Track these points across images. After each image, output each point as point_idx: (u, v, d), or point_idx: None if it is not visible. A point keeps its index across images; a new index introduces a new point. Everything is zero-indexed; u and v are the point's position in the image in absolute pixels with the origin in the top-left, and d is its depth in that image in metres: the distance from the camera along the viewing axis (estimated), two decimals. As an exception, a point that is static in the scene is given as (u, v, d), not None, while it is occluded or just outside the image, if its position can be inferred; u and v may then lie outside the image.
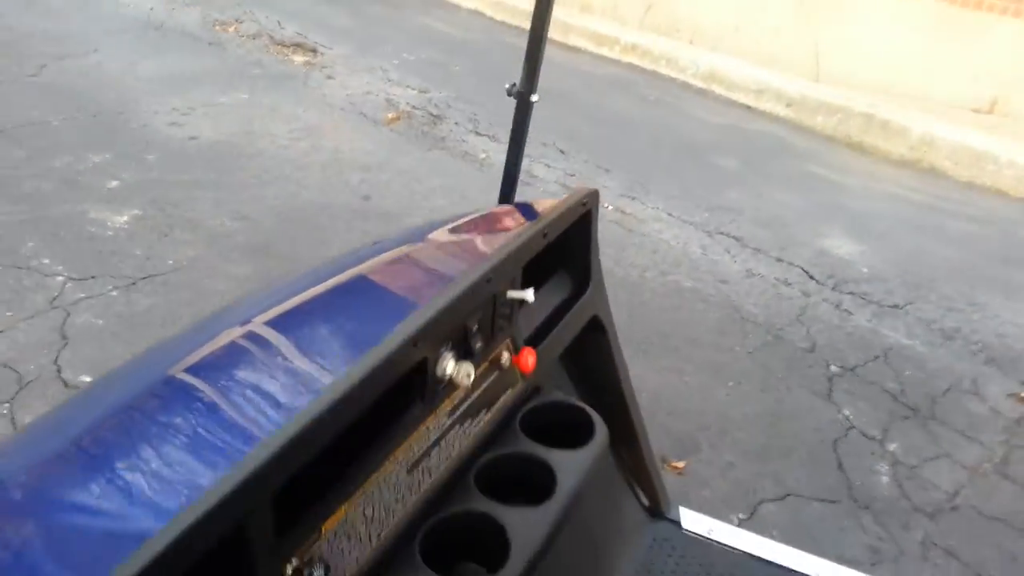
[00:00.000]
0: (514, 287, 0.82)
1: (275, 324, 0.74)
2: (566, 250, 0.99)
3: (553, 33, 5.07)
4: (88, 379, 2.05)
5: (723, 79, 4.26)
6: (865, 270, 2.78)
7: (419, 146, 3.46)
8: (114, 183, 2.89)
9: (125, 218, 2.70)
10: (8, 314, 2.21)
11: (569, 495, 0.74)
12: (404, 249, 0.92)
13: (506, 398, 0.85)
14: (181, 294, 2.36)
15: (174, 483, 0.55)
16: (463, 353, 0.74)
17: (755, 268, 2.73)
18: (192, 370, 0.70)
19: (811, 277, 2.71)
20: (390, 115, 3.71)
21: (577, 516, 1.03)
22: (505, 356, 0.84)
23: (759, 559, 1.28)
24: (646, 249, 2.80)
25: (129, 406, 0.64)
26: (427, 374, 0.70)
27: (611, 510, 1.24)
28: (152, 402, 0.65)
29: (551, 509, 0.71)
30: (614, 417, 1.21)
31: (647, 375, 2.19)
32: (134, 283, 2.41)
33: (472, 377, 0.72)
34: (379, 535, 0.66)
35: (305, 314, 0.77)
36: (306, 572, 0.58)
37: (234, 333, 0.73)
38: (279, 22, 4.58)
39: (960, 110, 4.92)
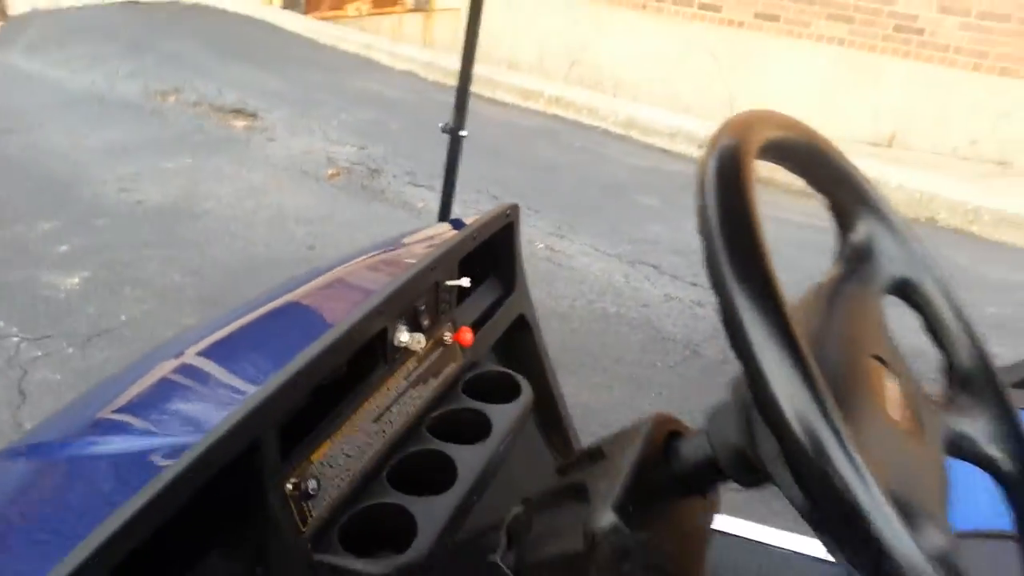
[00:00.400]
0: (452, 278, 1.04)
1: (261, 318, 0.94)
2: (495, 256, 1.21)
3: (482, 89, 5.39)
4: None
5: (641, 126, 4.60)
6: (772, 288, 3.06)
7: (360, 199, 3.67)
8: (64, 247, 3.04)
9: (76, 280, 2.84)
10: (-31, 373, 2.32)
11: (502, 437, 0.94)
12: (367, 258, 1.13)
13: (449, 369, 1.05)
14: (135, 345, 2.50)
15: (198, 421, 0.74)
16: (414, 327, 0.95)
17: (673, 292, 2.99)
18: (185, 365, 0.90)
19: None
20: (331, 171, 3.93)
21: (511, 468, 1.23)
22: (448, 335, 1.04)
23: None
24: (574, 281, 3.04)
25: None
26: (387, 341, 0.90)
27: (524, 453, 1.43)
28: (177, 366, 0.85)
29: (488, 446, 0.91)
30: (541, 401, 1.42)
31: (580, 392, 2.40)
32: (89, 339, 2.55)
33: (423, 345, 0.93)
34: (355, 467, 0.85)
35: (275, 315, 0.98)
36: (301, 487, 0.77)
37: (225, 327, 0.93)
38: (219, 90, 4.79)
39: (861, 145, 5.36)
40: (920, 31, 5.54)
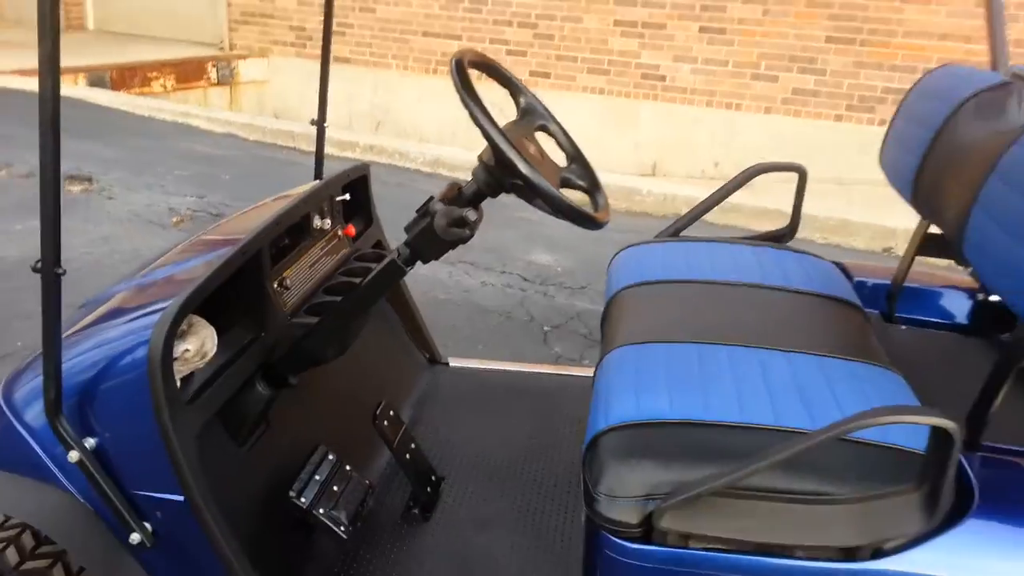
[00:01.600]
0: (338, 196, 1.81)
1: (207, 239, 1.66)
2: (357, 200, 1.98)
3: (301, 144, 6.09)
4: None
5: (447, 164, 5.51)
6: (560, 270, 3.99)
7: (208, 239, 4.24)
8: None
9: (-36, 318, 3.23)
10: None
11: (357, 305, 1.67)
12: (297, 190, 1.85)
13: (344, 250, 1.81)
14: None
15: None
16: (322, 219, 1.71)
17: (487, 280, 3.84)
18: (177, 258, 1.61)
19: (525, 279, 3.86)
20: (175, 219, 4.46)
21: (392, 353, 2.02)
22: (339, 229, 1.80)
23: (516, 382, 2.25)
24: (408, 280, 3.79)
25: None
26: (311, 222, 1.65)
27: (397, 357, 2.18)
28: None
29: (347, 310, 1.63)
30: (394, 298, 2.19)
31: (422, 354, 3.14)
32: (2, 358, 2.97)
33: (328, 229, 1.69)
34: (305, 283, 1.59)
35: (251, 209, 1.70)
36: (283, 284, 1.51)
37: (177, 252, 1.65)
38: (49, 159, 5.15)
39: (631, 176, 6.55)
40: (662, 78, 6.92)
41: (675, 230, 2.13)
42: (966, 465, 1.21)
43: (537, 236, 4.41)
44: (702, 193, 4.72)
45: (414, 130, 7.66)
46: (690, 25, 6.67)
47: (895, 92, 6.17)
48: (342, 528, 1.51)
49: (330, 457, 1.61)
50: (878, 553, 1.12)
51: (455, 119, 7.57)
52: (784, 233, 2.09)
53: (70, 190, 4.82)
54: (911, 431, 1.19)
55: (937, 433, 1.07)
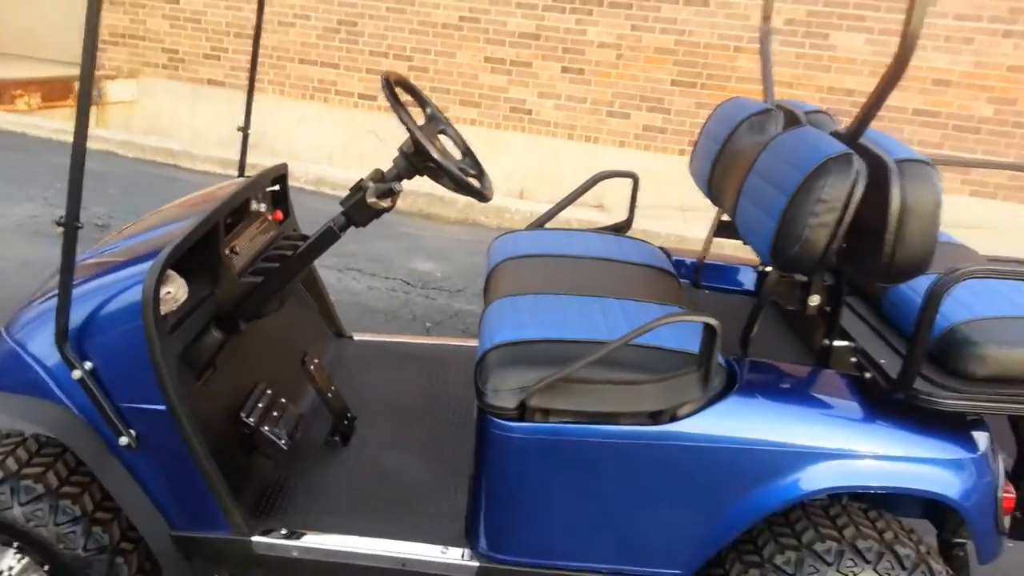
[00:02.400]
0: (268, 186, 2.26)
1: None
2: (279, 193, 2.43)
3: (183, 162, 6.30)
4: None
5: (329, 182, 5.92)
6: (439, 275, 4.51)
7: (90, 244, 4.47)
8: None
9: None
10: None
11: (298, 263, 2.13)
12: (203, 192, 2.28)
13: (272, 231, 2.26)
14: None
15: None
16: (258, 202, 2.16)
17: (373, 284, 4.30)
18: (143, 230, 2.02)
19: (408, 284, 4.35)
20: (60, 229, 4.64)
21: (302, 321, 2.47)
22: (270, 214, 2.25)
23: (410, 350, 2.72)
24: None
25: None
26: (250, 205, 2.10)
27: (313, 326, 2.62)
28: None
29: (290, 268, 2.08)
30: (307, 281, 2.64)
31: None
32: None
33: (262, 210, 2.15)
34: (247, 256, 2.04)
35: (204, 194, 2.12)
36: (231, 252, 1.95)
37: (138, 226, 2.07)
38: (-80, 171, 5.19)
39: (501, 197, 7.13)
40: (529, 111, 7.62)
41: (539, 224, 2.70)
42: (736, 366, 1.81)
43: (418, 247, 4.91)
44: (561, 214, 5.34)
45: (289, 152, 7.99)
46: (553, 65, 7.42)
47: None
48: (283, 441, 1.94)
49: (268, 392, 2.04)
50: (674, 418, 1.69)
51: (331, 143, 7.99)
52: (623, 226, 2.70)
53: (-54, 201, 4.90)
54: (695, 340, 1.77)
55: (705, 330, 1.66)
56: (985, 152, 6.67)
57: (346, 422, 2.21)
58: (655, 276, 2.24)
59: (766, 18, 2.60)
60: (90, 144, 6.46)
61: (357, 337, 2.78)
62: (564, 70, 7.41)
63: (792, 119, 2.22)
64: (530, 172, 7.69)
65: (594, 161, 7.45)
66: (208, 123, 8.43)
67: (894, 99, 6.59)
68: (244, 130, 2.49)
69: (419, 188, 5.87)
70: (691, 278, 2.51)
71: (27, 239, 4.48)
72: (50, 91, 8.17)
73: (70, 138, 5.51)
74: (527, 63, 7.50)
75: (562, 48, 7.36)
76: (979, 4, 6.34)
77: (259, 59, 8.24)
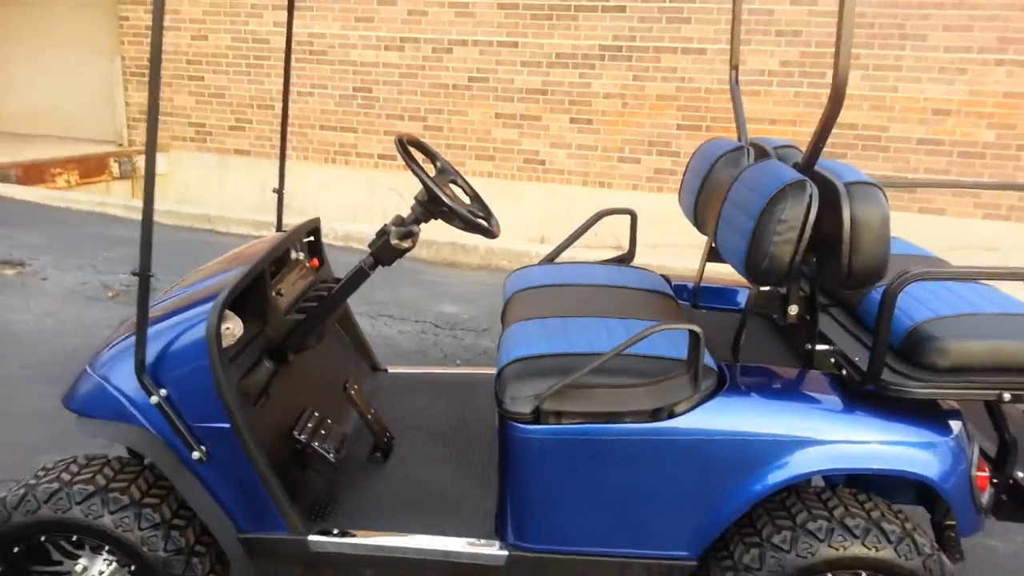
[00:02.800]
0: (304, 238, 2.58)
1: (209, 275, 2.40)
2: (314, 244, 2.75)
3: (218, 226, 6.69)
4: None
5: (355, 238, 6.27)
6: (466, 317, 4.80)
7: (144, 309, 4.82)
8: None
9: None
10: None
11: (335, 301, 2.44)
12: (248, 245, 2.59)
13: (309, 277, 2.57)
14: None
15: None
16: (297, 251, 2.47)
17: (404, 328, 4.60)
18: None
19: (437, 326, 4.64)
20: (110, 293, 5.02)
21: (341, 357, 2.77)
22: (307, 262, 2.56)
23: (440, 379, 3.00)
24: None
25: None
26: (290, 254, 2.42)
27: (351, 359, 2.91)
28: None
29: (328, 305, 2.40)
30: (343, 321, 2.94)
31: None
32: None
33: (301, 258, 2.47)
34: (291, 296, 2.34)
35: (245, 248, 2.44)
36: (277, 294, 2.26)
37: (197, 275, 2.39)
38: (-22, 248, 5.62)
39: (523, 243, 7.43)
40: (542, 162, 7.99)
41: (549, 259, 2.99)
42: (726, 370, 2.07)
43: (444, 293, 5.22)
44: (580, 254, 5.63)
45: (316, 212, 8.40)
46: (562, 117, 7.80)
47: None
48: (331, 456, 2.21)
49: (316, 414, 2.32)
50: (671, 415, 1.94)
51: (355, 202, 8.41)
52: (626, 257, 2.99)
53: (4, 273, 5.30)
54: (685, 349, 2.02)
55: (691, 337, 1.93)
56: (992, 175, 6.91)
57: (385, 440, 2.48)
58: (655, 298, 2.51)
59: (734, 66, 2.91)
60: (129, 214, 6.90)
61: (391, 370, 3.07)
62: (572, 121, 7.79)
63: (761, 153, 2.51)
64: (547, 219, 8.02)
65: (609, 204, 7.77)
66: (236, 189, 8.89)
67: (898, 130, 6.90)
68: (279, 191, 2.83)
69: (441, 238, 6.21)
70: (690, 300, 2.77)
71: (81, 303, 4.84)
72: (86, 168, 8.69)
73: (109, 210, 5.93)
74: (537, 116, 7.89)
75: (568, 100, 7.75)
76: (968, 36, 6.65)
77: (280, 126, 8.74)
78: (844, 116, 7.08)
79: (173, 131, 9.33)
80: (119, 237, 6.27)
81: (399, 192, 8.20)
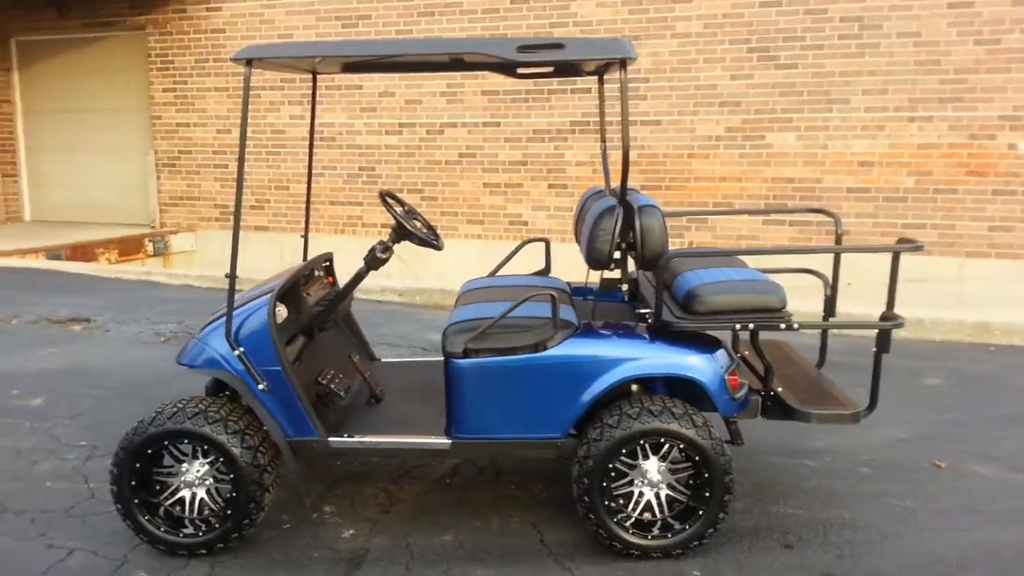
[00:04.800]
0: (323, 263, 4.14)
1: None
2: (329, 268, 4.30)
3: (248, 287, 8.28)
4: None
5: (362, 290, 7.83)
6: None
7: (192, 348, 6.35)
8: (37, 400, 5.40)
9: (40, 400, 5.24)
10: None
11: (343, 294, 3.95)
12: (286, 268, 4.14)
13: (326, 290, 4.11)
14: (104, 426, 5.03)
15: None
16: (318, 272, 4.03)
17: (400, 353, 6.07)
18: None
19: (425, 349, 6.12)
20: (163, 338, 6.56)
21: (345, 347, 4.29)
22: (325, 279, 4.11)
23: (419, 364, 4.47)
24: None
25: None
26: (314, 272, 3.98)
27: (354, 347, 4.40)
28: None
29: (339, 296, 3.92)
30: (350, 326, 4.46)
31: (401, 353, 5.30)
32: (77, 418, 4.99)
33: (320, 275, 4.02)
34: (315, 299, 3.90)
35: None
36: (307, 295, 3.81)
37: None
38: (52, 310, 7.22)
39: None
40: (525, 223, 9.58)
41: (491, 274, 4.50)
42: (581, 324, 3.54)
43: (433, 326, 6.74)
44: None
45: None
46: (541, 183, 9.43)
47: (697, 221, 8.96)
48: (342, 394, 3.68)
49: (331, 372, 3.80)
50: (545, 348, 3.40)
51: (359, 266, 9.99)
52: (544, 271, 4.49)
53: (73, 328, 6.87)
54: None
55: (551, 299, 3.42)
56: (914, 216, 8.39)
57: (377, 391, 3.95)
58: (554, 292, 4.00)
59: (602, 139, 4.46)
60: (172, 280, 8.55)
61: (384, 360, 4.55)
62: (550, 186, 9.41)
63: (612, 193, 4.03)
64: (531, 271, 9.52)
65: (565, 261, 9.30)
66: (256, 259, 10.50)
67: (830, 181, 8.44)
68: (305, 236, 4.38)
69: (434, 286, 7.75)
70: (583, 295, 4.26)
71: (140, 347, 6.39)
72: (125, 247, 10.39)
73: (154, 278, 7.77)
74: (519, 184, 9.52)
75: (546, 170, 9.39)
76: (884, 98, 8.24)
77: (295, 205, 10.41)
78: (783, 172, 8.65)
79: (200, 213, 11.06)
80: (164, 297, 7.87)
81: (400, 257, 9.78)
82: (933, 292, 8.15)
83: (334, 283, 4.32)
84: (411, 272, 9.66)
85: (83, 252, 9.93)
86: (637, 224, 3.44)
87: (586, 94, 9.16)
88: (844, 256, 4.01)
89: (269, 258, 10.34)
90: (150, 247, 10.63)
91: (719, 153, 8.84)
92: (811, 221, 8.64)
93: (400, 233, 3.73)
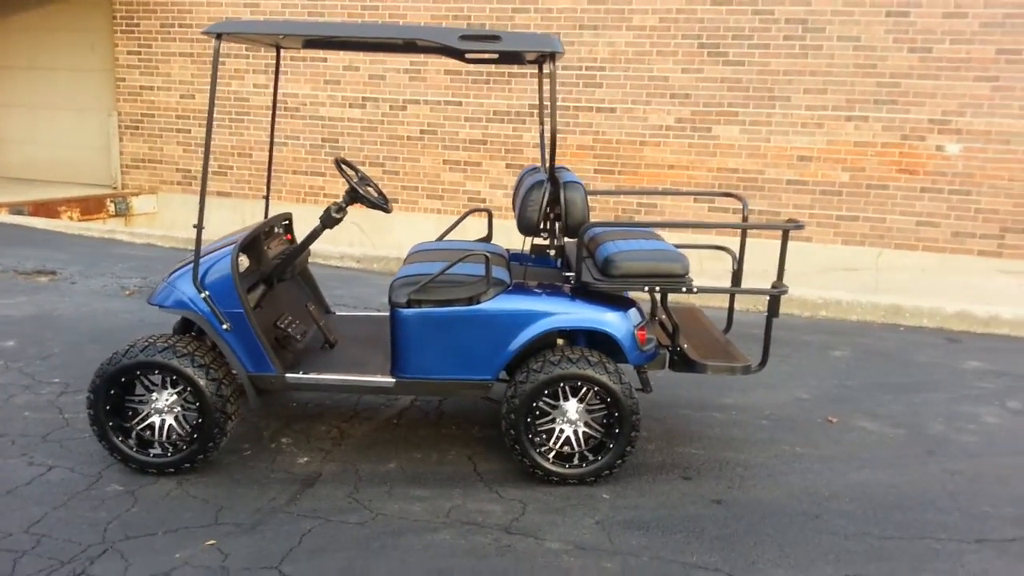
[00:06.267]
0: (284, 221, 4.65)
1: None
2: (289, 226, 4.81)
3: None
4: None
5: (322, 256, 8.31)
6: (400, 307, 6.81)
7: (156, 302, 6.80)
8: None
9: (12, 343, 5.68)
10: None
11: (301, 247, 4.48)
12: (250, 224, 4.64)
13: (285, 244, 4.63)
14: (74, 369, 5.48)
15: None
16: (280, 230, 4.55)
17: (355, 313, 6.58)
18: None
19: (379, 311, 6.63)
20: (127, 291, 7.00)
21: (301, 297, 4.82)
22: (285, 236, 4.62)
23: (370, 318, 4.99)
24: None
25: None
26: (274, 228, 4.50)
27: (310, 299, 4.91)
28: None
29: (297, 249, 4.45)
30: (304, 275, 4.98)
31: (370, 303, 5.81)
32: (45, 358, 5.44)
33: (281, 232, 4.54)
34: (274, 252, 4.42)
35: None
36: (268, 247, 4.34)
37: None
38: (17, 261, 7.61)
39: (457, 266, 9.49)
40: (483, 199, 10.10)
41: (437, 239, 5.03)
42: (512, 283, 4.09)
43: (385, 290, 7.24)
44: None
45: (288, 247, 10.45)
46: (499, 162, 9.96)
47: (646, 205, 9.57)
48: (298, 337, 4.20)
49: (289, 318, 4.31)
50: (478, 302, 3.95)
51: (323, 235, 10.45)
52: (486, 238, 5.03)
53: (39, 279, 7.27)
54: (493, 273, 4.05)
55: (486, 260, 3.96)
56: (848, 209, 9.05)
57: (330, 338, 4.47)
58: (492, 255, 4.55)
59: (540, 121, 5.02)
60: (134, 239, 8.94)
61: (338, 312, 5.07)
62: (508, 166, 9.94)
63: (545, 170, 4.59)
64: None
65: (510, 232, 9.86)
66: (218, 226, 10.90)
67: (772, 173, 9.10)
68: (266, 196, 4.87)
69: (391, 255, 8.27)
70: (520, 261, 4.83)
71: (105, 298, 6.82)
72: (87, 207, 10.73)
73: (117, 236, 8.19)
74: (478, 163, 10.04)
75: (504, 149, 9.92)
76: (824, 97, 8.89)
77: (258, 172, 10.82)
78: (727, 163, 9.28)
79: (162, 176, 11.42)
80: (128, 255, 8.28)
81: (360, 227, 10.27)
82: (861, 279, 8.86)
83: (292, 240, 4.83)
84: (370, 242, 10.17)
85: (45, 209, 10.25)
86: (563, 197, 4.00)
87: (546, 79, 9.70)
88: (758, 242, 4.60)
89: (231, 223, 10.72)
90: (112, 207, 10.97)
91: (669, 142, 9.44)
92: (754, 210, 9.29)
93: (353, 196, 4.24)
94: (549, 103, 3.79)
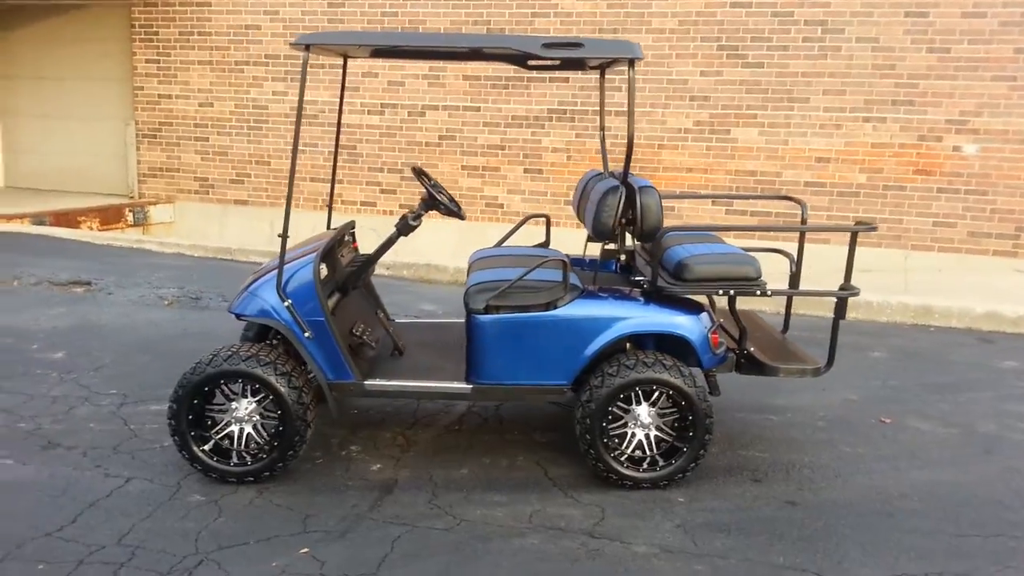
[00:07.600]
0: (351, 230, 4.69)
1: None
2: (353, 234, 4.85)
3: (239, 257, 8.66)
4: None
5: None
6: (440, 312, 6.85)
7: (191, 310, 6.80)
8: (59, 354, 5.83)
9: (61, 354, 5.69)
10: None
11: (375, 256, 4.51)
12: (320, 234, 4.67)
13: (354, 252, 4.67)
14: (117, 378, 5.50)
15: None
16: (347, 238, 4.58)
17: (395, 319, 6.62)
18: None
19: (417, 318, 6.68)
20: (167, 302, 7.00)
21: (369, 303, 4.86)
22: (352, 243, 4.66)
23: (431, 324, 5.04)
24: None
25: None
26: (343, 237, 4.53)
27: (378, 306, 4.95)
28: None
29: (371, 258, 4.48)
30: (367, 287, 5.02)
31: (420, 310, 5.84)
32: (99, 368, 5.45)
33: (349, 240, 4.59)
34: (346, 259, 4.46)
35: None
36: (341, 256, 4.38)
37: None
38: (52, 272, 7.60)
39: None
40: (501, 205, 10.15)
41: (496, 244, 5.07)
42: (586, 288, 4.15)
43: (423, 298, 7.30)
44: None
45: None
46: (517, 168, 10.01)
47: (666, 209, 9.63)
48: (372, 344, 4.23)
49: (362, 326, 4.35)
50: (555, 307, 4.00)
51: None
52: (544, 244, 5.08)
53: (75, 291, 7.26)
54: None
55: (562, 266, 4.01)
56: (865, 211, 9.15)
57: (400, 344, 4.51)
58: (554, 260, 4.61)
59: (601, 127, 5.06)
60: (163, 248, 8.93)
61: (399, 320, 5.11)
62: (526, 171, 10.00)
63: (610, 175, 4.64)
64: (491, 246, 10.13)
65: (554, 241, 9.92)
66: (237, 233, 10.92)
67: (789, 175, 9.18)
68: (329, 205, 4.90)
69: (420, 261, 8.32)
70: (582, 267, 4.88)
71: (145, 309, 6.82)
72: (106, 217, 10.71)
73: (146, 246, 8.19)
74: (496, 168, 10.09)
75: (523, 154, 9.97)
76: (842, 98, 8.98)
77: (276, 180, 10.83)
78: (746, 165, 9.36)
79: (179, 185, 11.41)
80: (159, 264, 8.28)
81: (377, 232, 10.28)
82: (881, 280, 8.95)
83: (357, 248, 4.87)
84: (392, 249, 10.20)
85: (65, 219, 10.24)
86: (638, 202, 4.06)
87: (564, 83, 9.76)
88: (791, 246, 4.66)
89: (250, 231, 10.76)
90: (130, 217, 10.95)
91: (687, 145, 9.51)
92: (770, 212, 9.37)
93: (429, 203, 4.28)
94: (627, 108, 3.83)
